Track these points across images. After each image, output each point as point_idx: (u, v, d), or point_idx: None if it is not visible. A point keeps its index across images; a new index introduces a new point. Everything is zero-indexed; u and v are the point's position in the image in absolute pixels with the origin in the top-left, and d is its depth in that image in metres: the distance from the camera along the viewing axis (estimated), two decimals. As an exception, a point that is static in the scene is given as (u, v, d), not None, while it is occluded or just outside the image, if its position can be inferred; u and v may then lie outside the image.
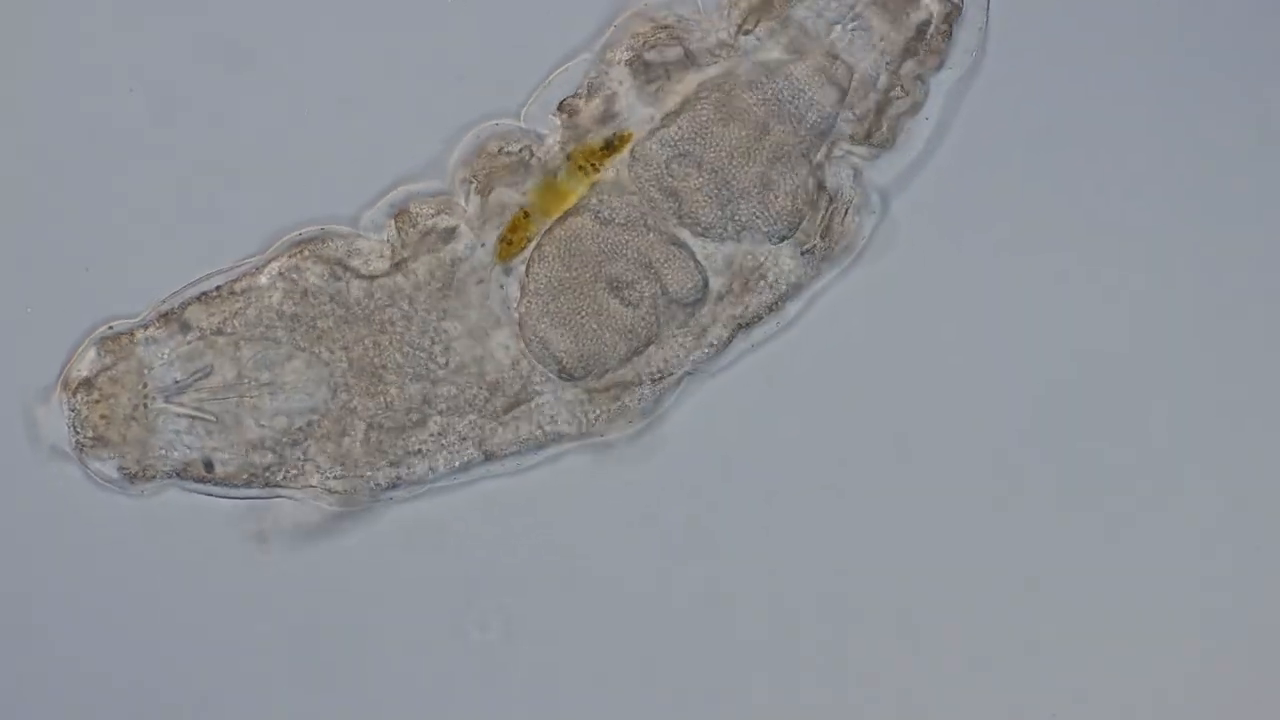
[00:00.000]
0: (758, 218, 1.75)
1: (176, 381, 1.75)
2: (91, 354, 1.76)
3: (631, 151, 1.75)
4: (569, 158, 1.76)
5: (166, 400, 1.75)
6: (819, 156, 1.76)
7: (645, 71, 1.76)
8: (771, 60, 1.76)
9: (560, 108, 1.77)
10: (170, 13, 1.81)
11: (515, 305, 1.75)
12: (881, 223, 1.80)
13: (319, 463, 1.76)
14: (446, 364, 1.76)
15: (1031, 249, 1.84)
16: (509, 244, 1.75)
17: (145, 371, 1.75)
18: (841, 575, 1.84)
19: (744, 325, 1.78)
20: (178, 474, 1.76)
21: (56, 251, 1.81)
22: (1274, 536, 1.84)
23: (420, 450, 1.77)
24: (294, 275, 1.76)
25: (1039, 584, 1.84)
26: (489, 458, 1.78)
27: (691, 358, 1.78)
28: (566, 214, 1.75)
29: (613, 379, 1.76)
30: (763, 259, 1.76)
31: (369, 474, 1.76)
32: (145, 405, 1.75)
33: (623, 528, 1.84)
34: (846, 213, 1.78)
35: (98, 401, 1.75)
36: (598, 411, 1.77)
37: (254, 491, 1.77)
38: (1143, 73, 1.84)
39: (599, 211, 1.74)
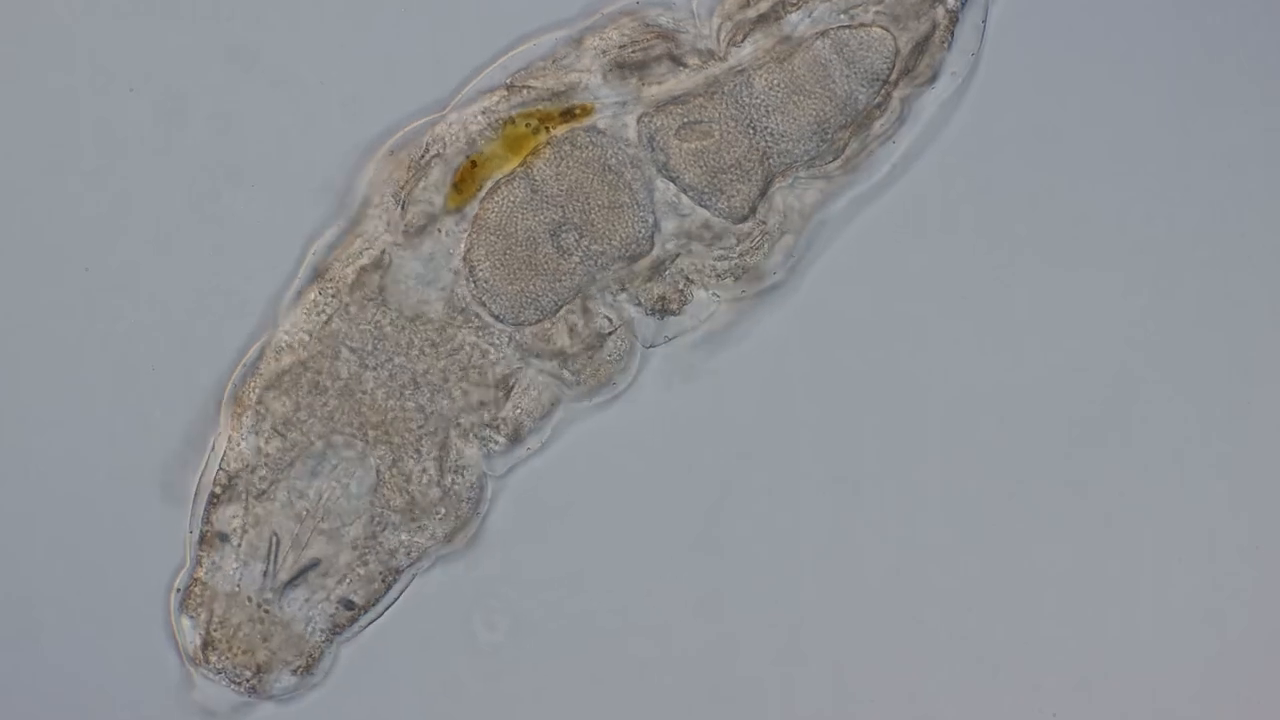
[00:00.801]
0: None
1: (264, 572, 1.75)
2: (186, 623, 1.76)
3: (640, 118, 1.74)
4: (524, 118, 1.74)
5: (273, 591, 1.75)
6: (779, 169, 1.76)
7: (620, 67, 1.75)
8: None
9: (511, 83, 1.76)
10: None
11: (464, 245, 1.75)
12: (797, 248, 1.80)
13: (416, 525, 1.76)
14: (432, 376, 1.75)
15: (1029, 255, 1.84)
16: (459, 191, 1.74)
17: (237, 591, 1.75)
18: (844, 573, 1.84)
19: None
20: (334, 633, 1.77)
21: (56, 251, 1.81)
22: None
23: (463, 457, 1.77)
24: (261, 416, 1.75)
25: (1039, 584, 1.84)
26: (515, 440, 1.78)
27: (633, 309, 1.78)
28: (520, 164, 1.74)
29: (575, 340, 1.76)
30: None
31: (455, 497, 1.77)
32: (265, 612, 1.75)
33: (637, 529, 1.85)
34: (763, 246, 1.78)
35: (228, 648, 1.75)
36: (578, 368, 1.77)
37: (398, 588, 1.78)
38: (1133, 109, 1.83)
39: (551, 163, 1.73)
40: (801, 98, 1.75)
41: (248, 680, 1.76)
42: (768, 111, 1.75)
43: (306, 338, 1.75)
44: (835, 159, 1.77)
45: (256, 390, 1.75)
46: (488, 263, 1.74)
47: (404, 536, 1.76)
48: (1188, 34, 1.83)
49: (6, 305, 1.80)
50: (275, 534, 1.75)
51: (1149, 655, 1.84)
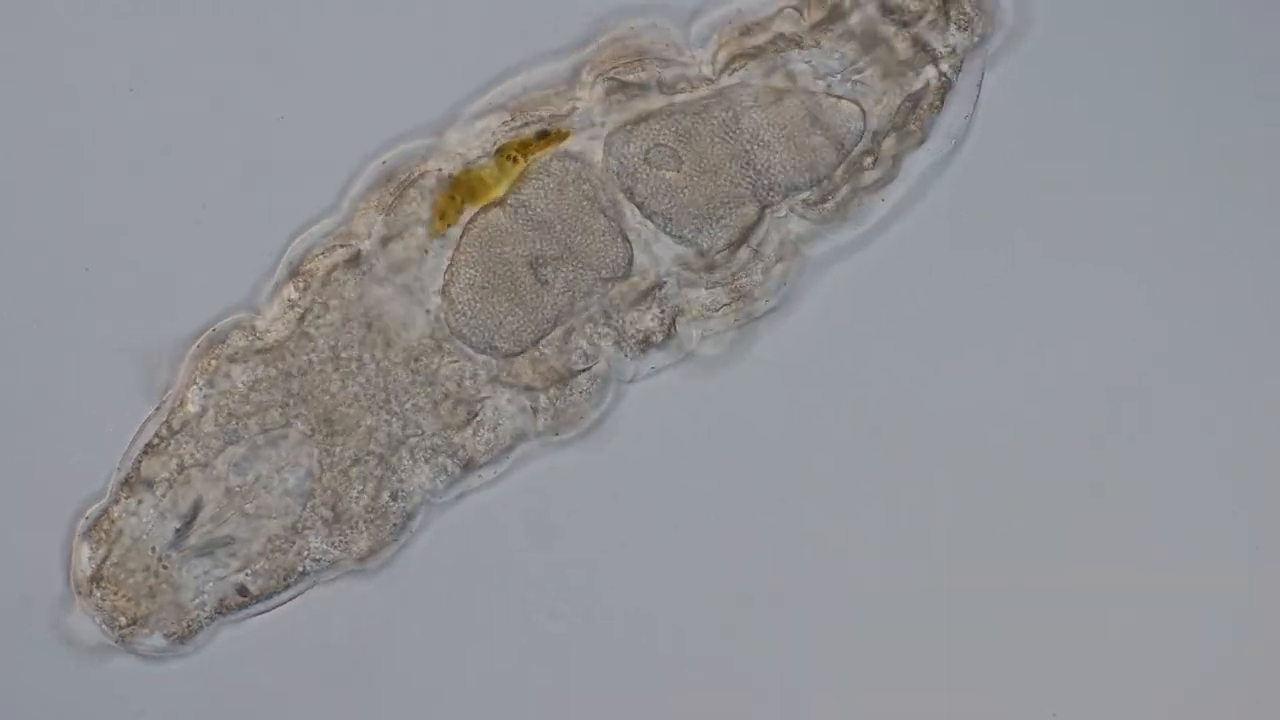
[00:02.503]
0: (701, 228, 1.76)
1: (177, 530, 1.75)
2: (85, 550, 1.76)
3: (606, 140, 1.75)
4: (498, 151, 1.76)
5: (179, 552, 1.75)
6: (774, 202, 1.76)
7: (618, 91, 1.76)
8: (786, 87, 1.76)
9: (510, 109, 1.78)
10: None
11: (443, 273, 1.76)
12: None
13: (336, 537, 1.76)
14: (394, 388, 1.76)
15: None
16: (441, 218, 1.76)
17: (144, 539, 1.75)
18: (843, 573, 1.86)
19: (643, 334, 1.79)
20: (219, 613, 1.76)
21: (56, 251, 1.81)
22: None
23: (404, 480, 1.77)
24: (219, 386, 1.75)
25: (1039, 585, 1.85)
26: (468, 468, 1.78)
27: (610, 350, 1.78)
28: (502, 194, 1.75)
29: (545, 370, 1.77)
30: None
31: (382, 519, 1.77)
32: (163, 567, 1.75)
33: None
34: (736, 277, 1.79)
35: (115, 590, 1.75)
36: (545, 404, 1.78)
37: (293, 591, 1.77)
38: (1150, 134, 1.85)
39: (528, 195, 1.74)
40: (787, 140, 1.75)
41: (120, 627, 1.75)
42: (755, 145, 1.75)
43: (281, 328, 1.76)
44: (827, 200, 1.77)
45: (220, 359, 1.76)
46: (468, 294, 1.75)
47: (319, 544, 1.76)
48: (1193, 100, 1.85)
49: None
50: (201, 499, 1.75)
51: (1149, 655, 1.84)
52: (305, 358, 1.75)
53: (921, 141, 1.78)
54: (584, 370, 1.77)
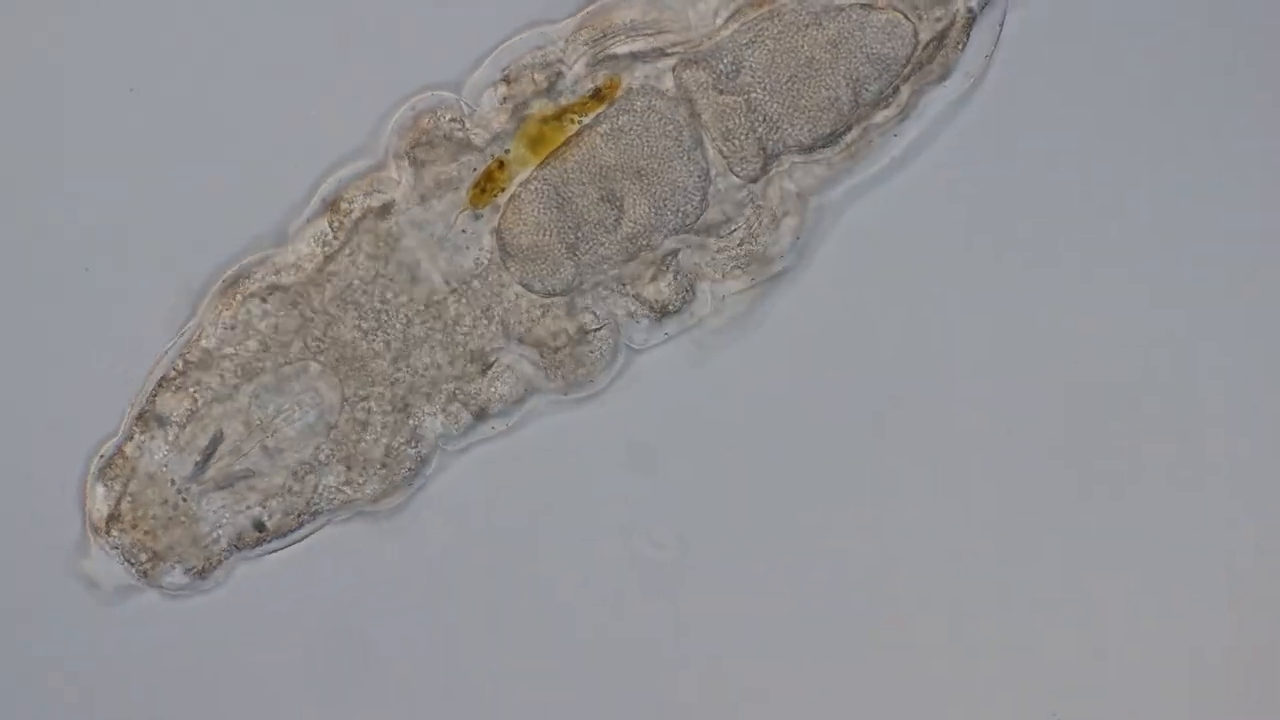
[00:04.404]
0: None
1: (197, 463, 1.74)
2: (100, 489, 1.75)
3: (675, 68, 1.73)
4: (559, 111, 1.75)
5: (198, 484, 1.74)
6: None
7: (605, 61, 1.75)
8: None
9: (504, 77, 1.76)
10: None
11: (484, 250, 1.75)
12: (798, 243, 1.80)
13: (351, 475, 1.76)
14: (413, 336, 1.76)
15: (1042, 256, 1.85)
16: (481, 190, 1.75)
17: (161, 473, 1.74)
18: (844, 573, 1.85)
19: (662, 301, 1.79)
20: (236, 549, 1.76)
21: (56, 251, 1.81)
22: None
23: (419, 425, 1.77)
24: (240, 321, 1.75)
25: (1040, 585, 1.85)
26: (479, 418, 1.78)
27: (627, 309, 1.78)
28: (555, 152, 1.74)
29: (557, 330, 1.77)
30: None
31: (396, 462, 1.77)
32: (182, 500, 1.74)
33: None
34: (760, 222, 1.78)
35: (133, 526, 1.74)
36: (560, 361, 1.78)
37: (311, 528, 1.77)
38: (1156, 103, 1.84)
39: (606, 133, 1.73)
40: (812, 77, 1.74)
41: (142, 563, 1.74)
42: (769, 88, 1.73)
43: (308, 265, 1.76)
44: (836, 144, 1.76)
45: (245, 294, 1.75)
46: (523, 225, 1.73)
47: (333, 483, 1.76)
48: (1209, 46, 1.84)
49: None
50: (220, 431, 1.74)
51: (1149, 656, 1.84)
52: (328, 297, 1.75)
53: (942, 79, 1.77)
54: (597, 330, 1.77)
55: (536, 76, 1.75)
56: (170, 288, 1.79)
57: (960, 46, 1.76)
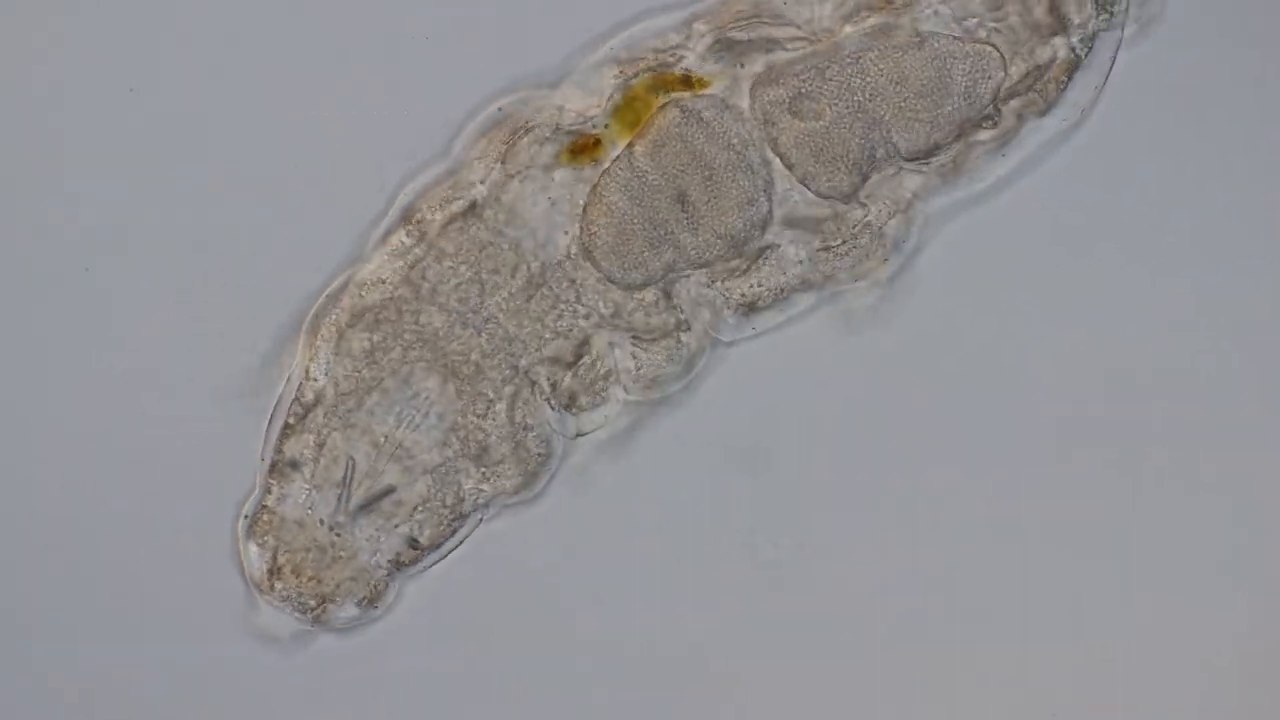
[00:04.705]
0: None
1: (339, 496, 1.76)
2: (253, 549, 1.77)
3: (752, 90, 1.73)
4: (643, 85, 1.75)
5: (345, 515, 1.75)
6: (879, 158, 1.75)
7: (726, 47, 1.75)
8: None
9: (620, 61, 1.76)
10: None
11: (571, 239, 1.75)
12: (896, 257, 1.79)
13: (487, 472, 1.77)
14: (505, 335, 1.76)
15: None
16: (573, 153, 1.75)
17: (308, 517, 1.76)
18: (842, 572, 1.84)
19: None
20: (397, 569, 1.77)
21: (55, 251, 1.81)
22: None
23: (532, 415, 1.77)
24: (341, 348, 1.76)
25: (1040, 585, 1.83)
26: (571, 405, 1.79)
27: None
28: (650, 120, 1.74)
29: (644, 325, 1.77)
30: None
31: (524, 451, 1.77)
32: (337, 536, 1.76)
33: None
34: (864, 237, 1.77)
35: (295, 574, 1.76)
36: (645, 356, 1.77)
37: (464, 533, 1.78)
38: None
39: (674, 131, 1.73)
40: (915, 94, 1.74)
41: (312, 609, 1.76)
42: (877, 99, 1.74)
43: (392, 276, 1.76)
44: (938, 158, 1.76)
45: (337, 323, 1.76)
46: (604, 221, 1.74)
47: (473, 484, 1.77)
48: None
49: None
50: (352, 459, 1.75)
51: (1149, 656, 1.83)
52: (418, 305, 1.75)
53: (1046, 111, 1.76)
54: (682, 329, 1.77)
55: (652, 60, 1.75)
56: (170, 288, 1.80)
57: (1061, 88, 1.75)
